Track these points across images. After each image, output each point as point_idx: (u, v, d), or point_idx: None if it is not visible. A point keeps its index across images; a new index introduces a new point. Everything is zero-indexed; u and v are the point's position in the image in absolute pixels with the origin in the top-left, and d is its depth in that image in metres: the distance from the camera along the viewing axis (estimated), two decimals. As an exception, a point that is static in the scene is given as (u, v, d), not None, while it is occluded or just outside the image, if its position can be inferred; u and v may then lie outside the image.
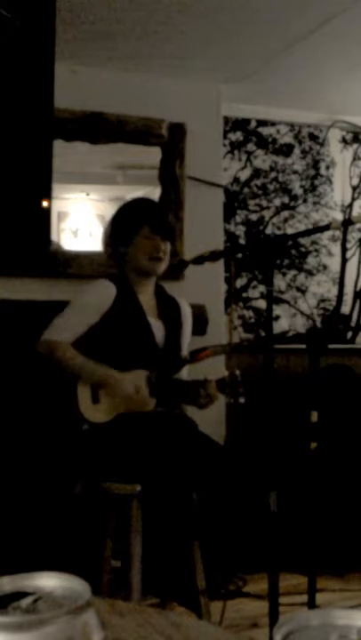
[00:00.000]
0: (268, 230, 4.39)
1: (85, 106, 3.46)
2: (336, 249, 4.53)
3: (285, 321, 4.35)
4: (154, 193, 3.74)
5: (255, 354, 3.22)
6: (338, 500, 3.35)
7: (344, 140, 4.53)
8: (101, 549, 2.64)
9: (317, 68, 3.67)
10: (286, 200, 4.42)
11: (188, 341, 2.89)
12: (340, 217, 4.50)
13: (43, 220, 2.12)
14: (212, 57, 3.49)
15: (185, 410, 2.87)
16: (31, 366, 2.78)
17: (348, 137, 4.54)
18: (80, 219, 5.21)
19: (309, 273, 4.46)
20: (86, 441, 2.61)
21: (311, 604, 2.20)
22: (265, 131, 4.37)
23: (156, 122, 3.62)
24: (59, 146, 3.11)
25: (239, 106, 4.13)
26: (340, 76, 3.77)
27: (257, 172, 4.36)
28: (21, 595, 0.63)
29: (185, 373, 2.83)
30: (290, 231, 4.35)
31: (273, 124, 4.37)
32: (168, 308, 2.84)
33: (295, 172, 4.44)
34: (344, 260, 4.54)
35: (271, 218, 4.39)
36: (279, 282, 4.34)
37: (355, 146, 4.56)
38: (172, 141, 3.67)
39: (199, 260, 2.38)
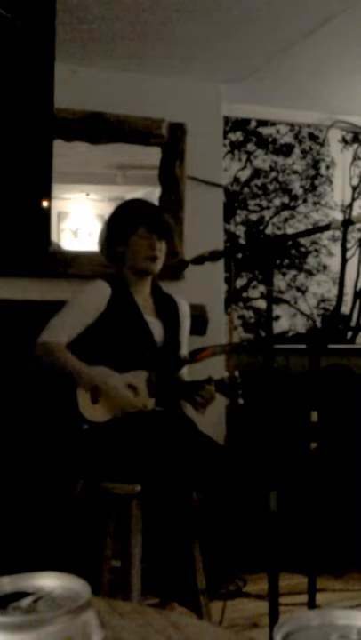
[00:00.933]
0: (268, 230, 4.39)
1: (85, 106, 3.46)
2: (336, 249, 4.53)
3: (285, 321, 4.35)
4: (154, 193, 3.74)
5: (255, 354, 3.22)
6: (338, 500, 3.35)
7: (344, 140, 4.53)
8: (101, 549, 2.64)
9: (317, 68, 3.67)
10: (286, 200, 4.42)
11: (186, 339, 2.89)
12: (340, 217, 4.50)
13: (43, 220, 2.12)
14: (212, 57, 3.49)
15: (185, 410, 2.87)
16: (31, 366, 2.78)
17: (349, 137, 4.54)
18: (80, 219, 5.21)
19: (309, 273, 4.46)
20: (86, 441, 2.61)
21: (311, 604, 2.21)
22: (265, 131, 4.37)
23: (156, 122, 3.62)
24: (59, 146, 3.11)
25: (239, 106, 4.13)
26: (340, 76, 3.77)
27: (257, 172, 4.36)
28: (21, 595, 0.63)
29: (185, 373, 2.83)
30: (290, 231, 4.35)
31: (273, 123, 4.37)
32: (166, 307, 2.84)
33: (295, 172, 4.44)
34: (344, 260, 4.54)
35: (271, 218, 4.39)
36: (279, 282, 4.34)
37: (355, 146, 4.56)
38: (172, 141, 3.67)
39: (199, 260, 2.38)
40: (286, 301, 4.37)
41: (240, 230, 4.31)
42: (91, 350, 2.61)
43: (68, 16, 2.94)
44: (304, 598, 2.26)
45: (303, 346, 3.81)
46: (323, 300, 4.48)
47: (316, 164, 4.47)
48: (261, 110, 4.26)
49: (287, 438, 2.22)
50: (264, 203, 4.37)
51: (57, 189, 2.46)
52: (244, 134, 4.32)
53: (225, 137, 4.14)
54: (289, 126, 4.41)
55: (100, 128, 3.52)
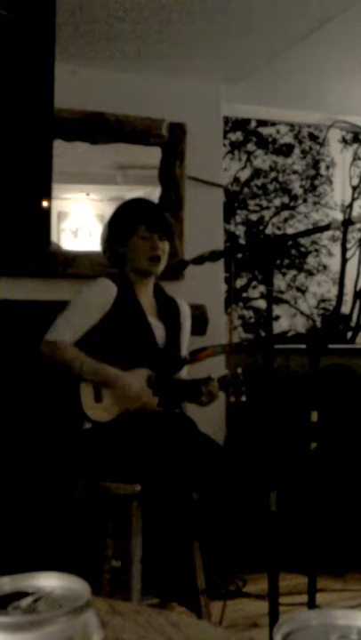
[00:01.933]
0: (268, 230, 4.39)
1: (85, 106, 3.46)
2: (336, 249, 4.53)
3: (285, 321, 4.35)
4: (154, 193, 3.74)
5: (255, 354, 3.22)
6: (338, 500, 3.35)
7: (344, 140, 4.53)
8: (101, 549, 2.64)
9: (317, 68, 3.68)
10: (286, 200, 4.42)
11: (187, 341, 2.89)
12: (340, 217, 4.50)
13: (43, 220, 2.12)
14: (212, 57, 3.49)
15: (185, 410, 2.87)
16: (31, 366, 2.78)
17: (349, 137, 4.54)
18: (80, 219, 5.20)
19: (309, 273, 4.46)
20: (86, 441, 2.61)
21: (311, 604, 2.21)
22: (265, 131, 4.37)
23: (156, 122, 3.62)
24: (59, 146, 3.11)
25: (239, 106, 4.13)
26: (340, 76, 3.78)
27: (257, 172, 4.36)
28: (21, 595, 0.63)
29: (185, 373, 2.83)
30: (290, 231, 4.35)
31: (273, 123, 4.37)
32: (167, 309, 2.84)
33: (295, 172, 4.44)
34: (344, 260, 4.54)
35: (271, 218, 4.39)
36: (279, 282, 4.34)
37: (355, 146, 4.56)
38: (172, 141, 3.67)
39: (199, 260, 2.38)
40: (286, 301, 4.37)
41: (240, 230, 4.31)
42: (93, 349, 2.61)
43: (68, 16, 2.94)
44: (304, 598, 2.26)
45: (303, 346, 3.80)
46: (323, 300, 4.48)
47: (316, 164, 4.47)
48: (261, 110, 4.26)
49: (287, 438, 2.22)
50: (264, 203, 4.37)
51: (57, 189, 2.46)
52: (244, 134, 4.32)
53: (225, 137, 4.14)
54: (289, 126, 4.41)
55: (100, 128, 3.52)
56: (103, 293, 2.69)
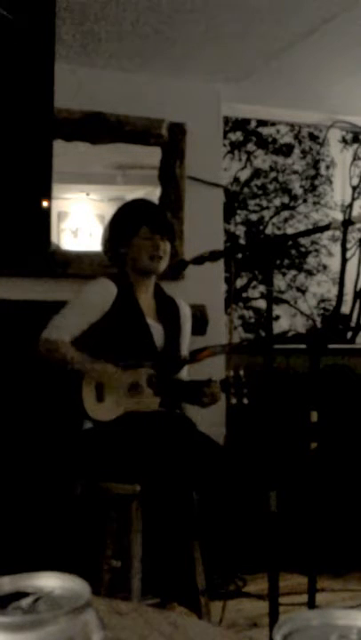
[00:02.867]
0: (268, 230, 4.39)
1: (85, 106, 3.46)
2: (336, 249, 4.53)
3: (285, 321, 4.35)
4: (154, 193, 3.74)
5: (255, 354, 3.21)
6: (338, 500, 3.35)
7: (344, 140, 4.53)
8: (101, 549, 2.64)
9: (317, 67, 3.67)
10: (286, 200, 4.42)
11: (187, 342, 2.89)
12: (340, 217, 4.50)
13: (43, 220, 2.12)
14: (212, 57, 3.49)
15: (185, 410, 2.87)
16: (31, 366, 2.78)
17: (349, 137, 4.54)
18: (80, 219, 5.20)
19: (309, 273, 4.46)
20: (86, 441, 2.61)
21: (311, 604, 2.21)
22: (265, 131, 4.37)
23: (156, 122, 3.62)
24: (59, 146, 3.11)
25: (239, 106, 4.12)
26: (341, 76, 3.77)
27: (257, 172, 4.36)
28: (21, 595, 0.63)
29: (185, 373, 2.83)
30: (290, 231, 4.35)
31: (273, 123, 4.37)
32: (167, 310, 2.84)
33: (295, 172, 4.44)
34: (344, 260, 4.54)
35: (271, 218, 4.39)
36: (279, 282, 4.34)
37: (355, 146, 4.56)
38: (172, 141, 3.67)
39: (199, 259, 2.38)
40: (286, 301, 4.37)
41: (240, 230, 4.31)
42: (91, 349, 2.61)
43: (68, 16, 2.94)
44: (304, 598, 2.26)
45: (303, 346, 3.80)
46: (323, 300, 4.48)
47: (316, 164, 4.47)
48: (261, 110, 4.26)
49: (287, 438, 2.22)
50: (264, 203, 4.37)
51: (57, 189, 2.46)
52: (244, 134, 4.32)
53: (225, 137, 4.14)
54: (289, 126, 4.41)
55: (100, 128, 3.52)
56: (103, 293, 2.69)
